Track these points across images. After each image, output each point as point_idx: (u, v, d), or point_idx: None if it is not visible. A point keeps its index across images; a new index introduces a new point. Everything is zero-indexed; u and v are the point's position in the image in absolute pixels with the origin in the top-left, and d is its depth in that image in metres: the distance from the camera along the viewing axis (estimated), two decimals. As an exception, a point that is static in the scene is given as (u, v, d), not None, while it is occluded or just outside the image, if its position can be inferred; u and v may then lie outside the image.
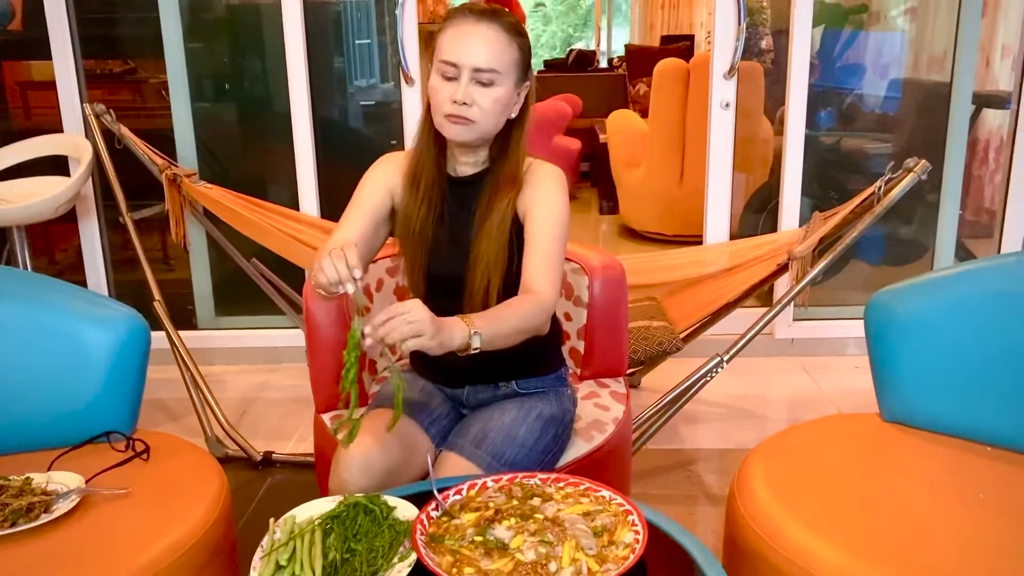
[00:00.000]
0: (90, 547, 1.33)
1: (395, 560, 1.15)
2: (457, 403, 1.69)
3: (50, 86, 3.19)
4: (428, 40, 2.96)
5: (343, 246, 1.27)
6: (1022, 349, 1.58)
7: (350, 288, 1.26)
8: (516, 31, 1.47)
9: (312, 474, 2.09)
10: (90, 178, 3.15)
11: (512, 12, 1.51)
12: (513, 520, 1.20)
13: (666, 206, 4.81)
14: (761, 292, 3.05)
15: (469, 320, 1.31)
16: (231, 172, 3.44)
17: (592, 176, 6.57)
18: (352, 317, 1.85)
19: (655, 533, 1.20)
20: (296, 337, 3.19)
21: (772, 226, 3.31)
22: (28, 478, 1.47)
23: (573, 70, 8.63)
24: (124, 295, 3.30)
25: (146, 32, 3.27)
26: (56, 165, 3.12)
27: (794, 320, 3.32)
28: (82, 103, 3.14)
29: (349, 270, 1.25)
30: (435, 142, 1.54)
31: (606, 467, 1.72)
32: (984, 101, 3.64)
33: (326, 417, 1.83)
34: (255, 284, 3.00)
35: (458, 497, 1.27)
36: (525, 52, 1.49)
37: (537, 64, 9.26)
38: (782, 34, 3.26)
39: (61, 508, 1.39)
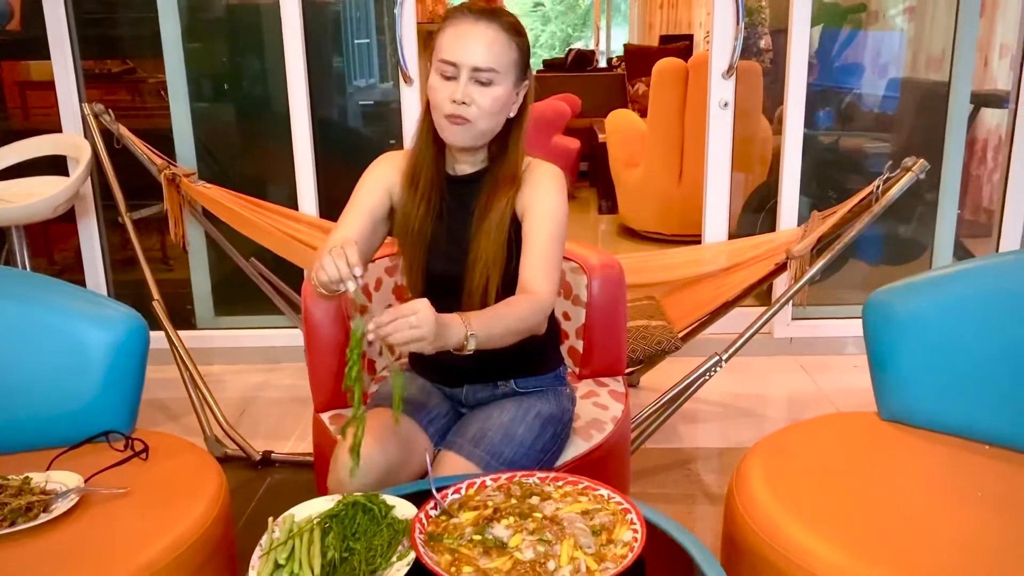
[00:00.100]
0: (89, 546, 1.33)
1: (394, 559, 1.15)
2: (456, 402, 1.69)
3: (49, 86, 3.19)
4: (427, 40, 2.97)
5: (343, 244, 1.27)
6: (1020, 348, 1.58)
7: (351, 286, 1.26)
8: (515, 31, 1.48)
9: (311, 473, 2.09)
10: (89, 178, 3.14)
11: None
12: (512, 519, 1.20)
13: (665, 205, 4.82)
14: (760, 291, 3.06)
15: (467, 320, 1.31)
16: (230, 172, 3.44)
17: (591, 176, 6.58)
18: (351, 316, 1.86)
19: (654, 532, 1.20)
20: (295, 337, 3.19)
21: (771, 225, 3.32)
22: (27, 477, 1.47)
23: (572, 70, 8.63)
24: (123, 295, 3.31)
25: (145, 32, 3.26)
26: (55, 165, 3.11)
27: (792, 319, 3.32)
28: (81, 103, 3.14)
29: (350, 268, 1.25)
30: (434, 141, 1.54)
31: (605, 466, 1.72)
32: (982, 100, 3.65)
33: (325, 416, 1.83)
34: (254, 284, 3.00)
35: (457, 496, 1.27)
36: (524, 51, 1.50)
37: (536, 64, 9.26)
38: (781, 33, 3.27)
39: (60, 507, 1.39)
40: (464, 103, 1.43)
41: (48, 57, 3.14)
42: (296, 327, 3.11)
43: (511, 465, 1.49)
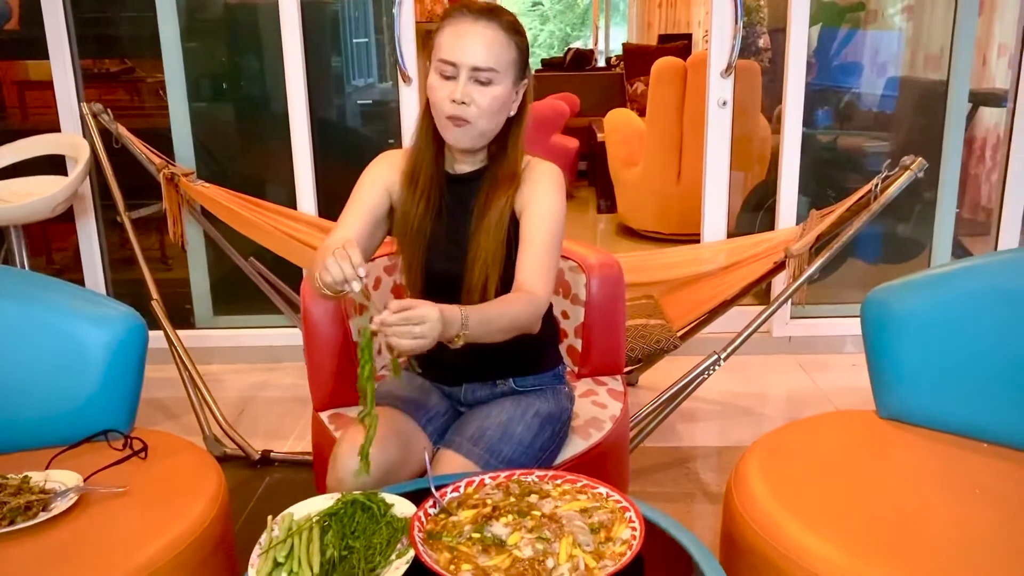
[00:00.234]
0: (88, 545, 1.33)
1: (393, 557, 1.15)
2: (455, 401, 1.69)
3: (47, 85, 3.19)
4: (426, 39, 2.97)
5: (345, 244, 1.27)
6: (1018, 346, 1.58)
7: (356, 287, 1.25)
8: (514, 30, 1.48)
9: (310, 473, 2.09)
10: (88, 177, 3.14)
11: None
12: (510, 517, 1.20)
13: (663, 204, 4.82)
14: (758, 290, 3.06)
15: (464, 314, 1.31)
16: (229, 171, 3.44)
17: (590, 175, 6.57)
18: (350, 315, 1.86)
19: (652, 530, 1.20)
20: (294, 336, 3.19)
21: (769, 224, 3.32)
22: (26, 476, 1.47)
23: (571, 69, 8.63)
24: (122, 294, 3.30)
25: (143, 31, 3.26)
26: (53, 164, 3.11)
27: (791, 318, 3.32)
28: (79, 102, 3.14)
29: (354, 269, 1.25)
30: (433, 140, 1.54)
31: (604, 464, 1.72)
32: (981, 99, 3.65)
33: (324, 416, 1.83)
34: (253, 283, 3.00)
35: (455, 494, 1.28)
36: (523, 51, 1.50)
37: (535, 63, 9.26)
38: (779, 32, 3.27)
39: (59, 506, 1.39)
40: (464, 103, 1.44)
41: (47, 57, 3.14)
42: (295, 326, 3.11)
43: (510, 463, 1.49)
